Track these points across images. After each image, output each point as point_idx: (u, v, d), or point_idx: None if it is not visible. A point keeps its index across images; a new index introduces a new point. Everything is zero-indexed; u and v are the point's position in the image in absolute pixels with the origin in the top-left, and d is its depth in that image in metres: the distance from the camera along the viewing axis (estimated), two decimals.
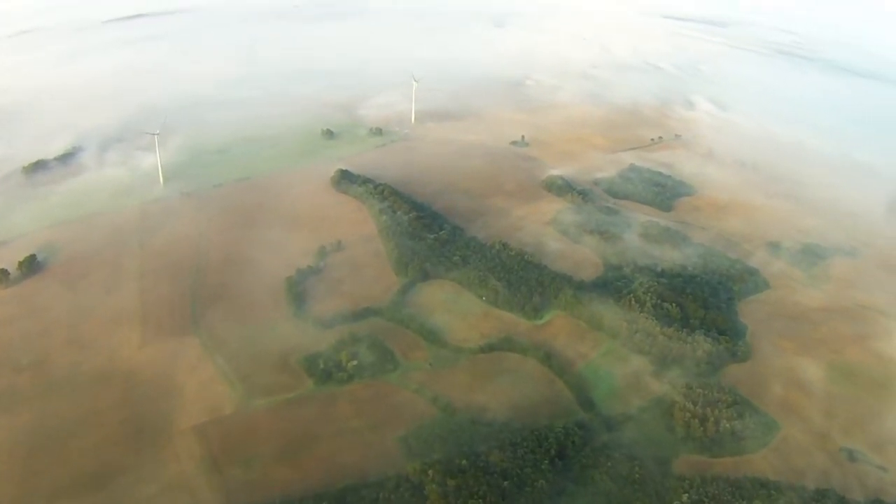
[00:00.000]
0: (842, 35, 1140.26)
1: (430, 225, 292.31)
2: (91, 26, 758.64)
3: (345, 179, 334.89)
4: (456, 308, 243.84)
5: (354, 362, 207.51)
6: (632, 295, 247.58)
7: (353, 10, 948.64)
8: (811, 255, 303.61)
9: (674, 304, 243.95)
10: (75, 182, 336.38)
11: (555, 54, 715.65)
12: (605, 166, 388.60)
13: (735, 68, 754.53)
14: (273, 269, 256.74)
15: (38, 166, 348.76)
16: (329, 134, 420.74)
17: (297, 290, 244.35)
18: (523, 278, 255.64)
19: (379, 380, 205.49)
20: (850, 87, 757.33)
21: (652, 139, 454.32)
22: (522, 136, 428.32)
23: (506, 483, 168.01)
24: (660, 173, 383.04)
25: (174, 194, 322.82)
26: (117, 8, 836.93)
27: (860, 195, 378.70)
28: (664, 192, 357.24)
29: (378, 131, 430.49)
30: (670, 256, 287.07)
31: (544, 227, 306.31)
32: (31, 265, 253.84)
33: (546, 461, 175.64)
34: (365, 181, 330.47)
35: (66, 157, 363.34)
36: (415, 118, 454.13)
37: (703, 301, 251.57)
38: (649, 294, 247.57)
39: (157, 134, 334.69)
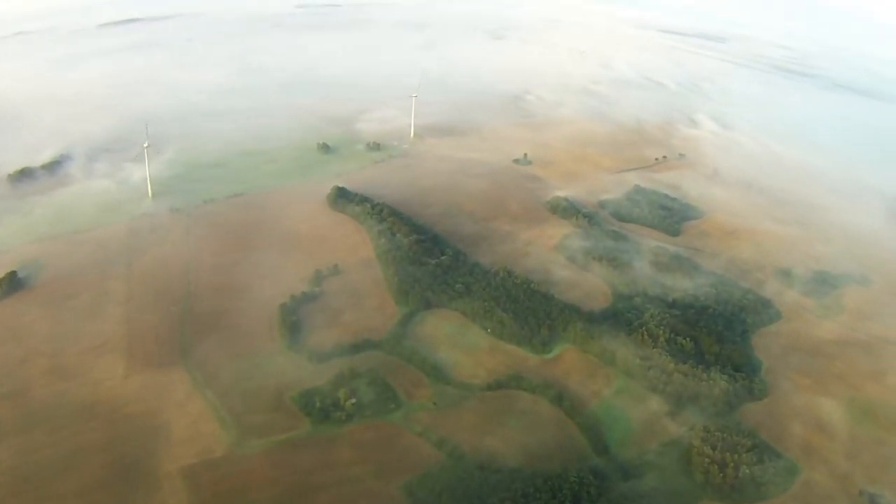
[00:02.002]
0: (837, 51, 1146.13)
1: (431, 249, 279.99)
2: (85, 30, 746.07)
3: (342, 198, 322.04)
4: (460, 341, 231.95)
5: (353, 401, 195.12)
6: (644, 328, 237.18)
7: (351, 21, 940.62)
8: (823, 283, 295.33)
9: (688, 339, 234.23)
10: (61, 194, 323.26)
11: (554, 69, 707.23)
12: (609, 187, 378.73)
13: (735, 85, 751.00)
14: (266, 295, 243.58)
15: (24, 174, 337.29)
16: (325, 148, 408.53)
17: (292, 319, 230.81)
18: (530, 309, 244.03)
19: (380, 420, 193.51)
20: (848, 104, 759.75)
21: (656, 159, 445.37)
22: (525, 154, 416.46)
23: None
24: (666, 195, 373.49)
25: (163, 210, 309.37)
26: (113, 12, 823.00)
27: (867, 219, 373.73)
28: (671, 216, 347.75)
29: (376, 146, 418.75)
30: (681, 285, 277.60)
31: (550, 253, 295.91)
32: (11, 282, 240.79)
33: None
34: (363, 200, 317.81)
35: (53, 166, 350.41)
36: (414, 133, 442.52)
37: (717, 335, 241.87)
38: (662, 327, 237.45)
39: (147, 146, 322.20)
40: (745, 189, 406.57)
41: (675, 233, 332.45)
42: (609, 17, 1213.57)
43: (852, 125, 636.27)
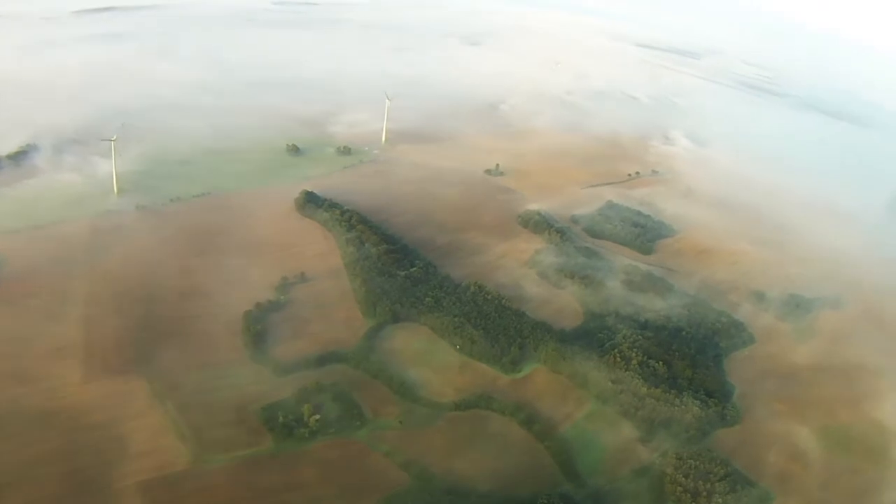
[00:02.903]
0: (809, 71, 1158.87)
1: (400, 260, 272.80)
2: (60, 17, 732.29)
3: (310, 203, 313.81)
4: (429, 357, 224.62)
5: (317, 417, 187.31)
6: (617, 350, 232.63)
7: (325, 20, 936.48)
8: (797, 306, 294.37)
9: (661, 363, 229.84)
10: (26, 186, 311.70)
11: (529, 78, 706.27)
12: (582, 202, 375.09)
13: (709, 102, 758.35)
14: (231, 302, 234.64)
15: None
16: (295, 150, 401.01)
17: (257, 328, 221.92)
18: (501, 326, 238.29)
19: (345, 438, 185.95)
20: (820, 125, 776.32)
21: (630, 174, 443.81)
22: (497, 165, 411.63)
23: None
24: (639, 212, 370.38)
25: (129, 207, 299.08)
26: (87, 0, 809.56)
27: (840, 241, 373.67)
28: (644, 234, 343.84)
29: (347, 150, 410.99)
30: (654, 306, 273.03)
31: (522, 268, 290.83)
32: None
33: None
34: (332, 206, 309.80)
35: (19, 157, 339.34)
36: (386, 138, 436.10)
37: (690, 359, 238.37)
38: (635, 350, 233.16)
39: (115, 140, 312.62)
40: (719, 207, 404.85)
41: (648, 251, 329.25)
42: (585, 29, 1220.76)
43: (824, 146, 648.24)
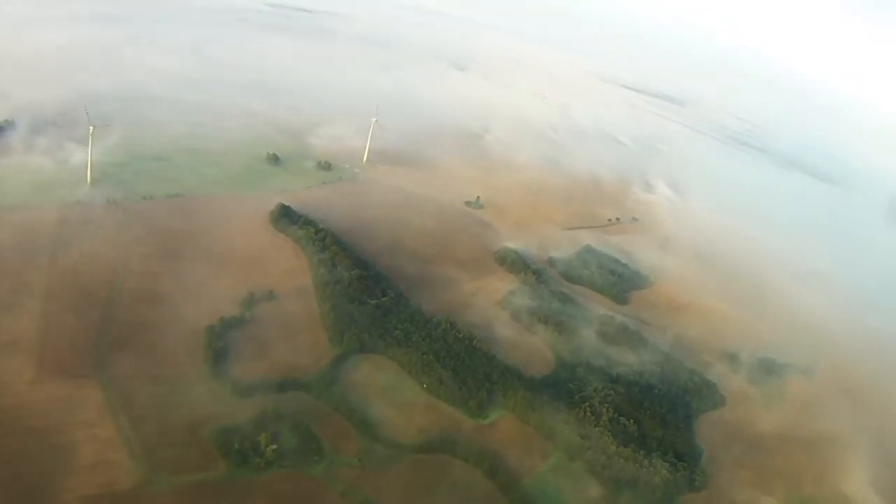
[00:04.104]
0: (792, 129, 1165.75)
1: (372, 287, 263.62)
2: None
3: (285, 217, 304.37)
4: (394, 394, 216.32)
5: (274, 447, 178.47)
6: (587, 404, 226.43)
7: (317, 28, 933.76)
8: (768, 371, 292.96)
9: (631, 421, 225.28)
10: None
11: (515, 109, 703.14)
12: (560, 244, 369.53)
13: (691, 151, 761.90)
14: (193, 314, 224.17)
15: None
16: (274, 159, 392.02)
17: (218, 345, 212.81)
18: (470, 368, 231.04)
19: (301, 472, 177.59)
20: (801, 185, 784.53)
21: (609, 220, 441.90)
22: (478, 198, 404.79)
23: None
24: (617, 260, 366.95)
25: (100, 200, 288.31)
26: None
27: (815, 307, 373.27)
28: (620, 283, 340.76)
29: (327, 165, 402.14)
30: (627, 359, 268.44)
31: (494, 308, 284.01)
32: None
33: None
34: (307, 223, 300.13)
35: None
36: (368, 157, 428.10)
37: (661, 418, 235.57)
38: (606, 405, 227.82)
39: (93, 129, 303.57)
40: (696, 261, 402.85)
41: (623, 301, 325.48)
42: (573, 66, 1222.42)
43: (803, 206, 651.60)
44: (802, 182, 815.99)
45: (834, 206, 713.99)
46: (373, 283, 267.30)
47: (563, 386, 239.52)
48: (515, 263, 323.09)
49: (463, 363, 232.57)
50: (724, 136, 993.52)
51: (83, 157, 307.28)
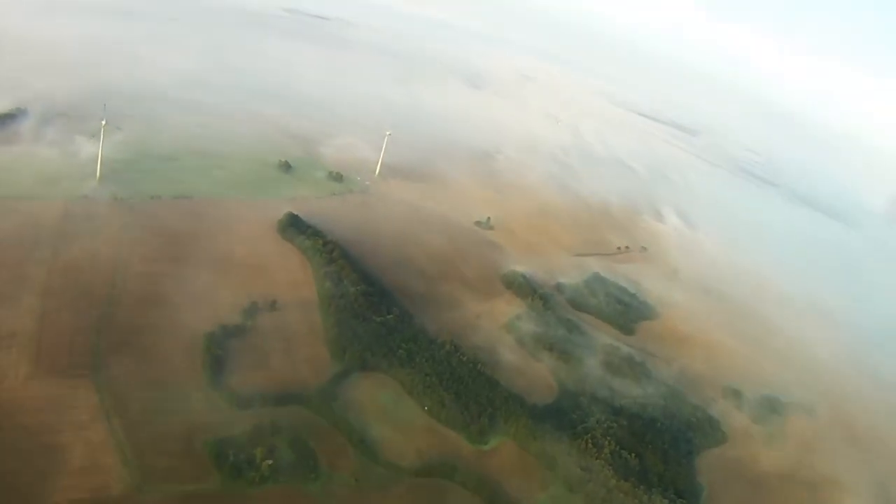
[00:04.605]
0: (803, 164, 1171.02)
1: (377, 304, 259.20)
2: None
3: (293, 226, 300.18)
4: (394, 414, 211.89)
5: (270, 462, 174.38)
6: (589, 435, 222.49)
7: (333, 37, 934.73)
8: (771, 409, 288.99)
9: (633, 455, 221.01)
10: (3, 151, 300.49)
11: (527, 130, 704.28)
12: (569, 270, 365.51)
13: (701, 181, 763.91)
14: (194, 319, 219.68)
15: None
16: (286, 167, 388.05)
17: (217, 353, 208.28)
18: (473, 392, 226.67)
19: (296, 489, 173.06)
20: (810, 221, 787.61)
21: (619, 248, 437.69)
22: (488, 218, 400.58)
23: None
24: (625, 289, 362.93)
25: (105, 196, 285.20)
26: None
27: (821, 346, 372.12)
28: (628, 312, 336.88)
29: (338, 176, 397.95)
30: (630, 391, 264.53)
31: (500, 332, 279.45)
32: None
33: None
34: (315, 234, 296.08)
35: (5, 119, 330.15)
36: (380, 171, 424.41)
37: (663, 452, 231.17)
38: (608, 437, 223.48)
39: (105, 124, 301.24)
40: (703, 294, 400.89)
41: (629, 331, 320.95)
42: (587, 89, 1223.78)
43: (810, 243, 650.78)
44: (811, 218, 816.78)
45: (842, 245, 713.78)
46: (378, 300, 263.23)
47: (566, 415, 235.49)
48: (523, 287, 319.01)
49: (466, 387, 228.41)
50: (734, 167, 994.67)
51: (92, 151, 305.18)
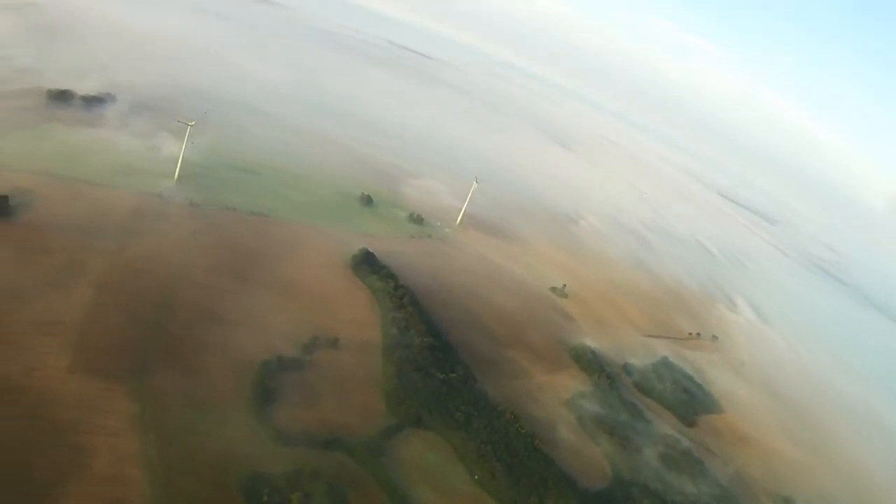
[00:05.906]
0: (875, 266, 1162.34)
1: (441, 360, 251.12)
2: None
3: (366, 263, 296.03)
4: (441, 478, 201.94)
5: None
6: None
7: (430, 76, 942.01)
8: None
9: None
10: (86, 134, 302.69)
11: (610, 199, 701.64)
12: (637, 350, 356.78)
13: (777, 273, 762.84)
14: (250, 343, 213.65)
15: (63, 97, 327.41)
16: (367, 201, 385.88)
17: (268, 384, 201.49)
18: (526, 468, 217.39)
19: None
20: (877, 327, 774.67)
21: (690, 334, 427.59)
22: (564, 285, 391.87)
23: None
24: (692, 378, 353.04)
25: (180, 198, 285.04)
26: None
27: (878, 459, 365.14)
28: (691, 403, 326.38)
29: (419, 219, 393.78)
30: (684, 488, 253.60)
31: (560, 407, 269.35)
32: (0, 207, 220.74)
33: None
34: (388, 275, 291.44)
35: (93, 102, 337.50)
36: (461, 220, 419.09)
37: None
38: None
39: (192, 124, 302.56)
40: (768, 394, 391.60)
41: (690, 423, 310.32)
42: (672, 162, 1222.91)
43: (880, 351, 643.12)
44: (880, 324, 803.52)
45: None
46: (442, 355, 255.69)
47: None
48: (591, 363, 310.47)
49: (520, 461, 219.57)
50: (808, 261, 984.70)
51: (174, 149, 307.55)
